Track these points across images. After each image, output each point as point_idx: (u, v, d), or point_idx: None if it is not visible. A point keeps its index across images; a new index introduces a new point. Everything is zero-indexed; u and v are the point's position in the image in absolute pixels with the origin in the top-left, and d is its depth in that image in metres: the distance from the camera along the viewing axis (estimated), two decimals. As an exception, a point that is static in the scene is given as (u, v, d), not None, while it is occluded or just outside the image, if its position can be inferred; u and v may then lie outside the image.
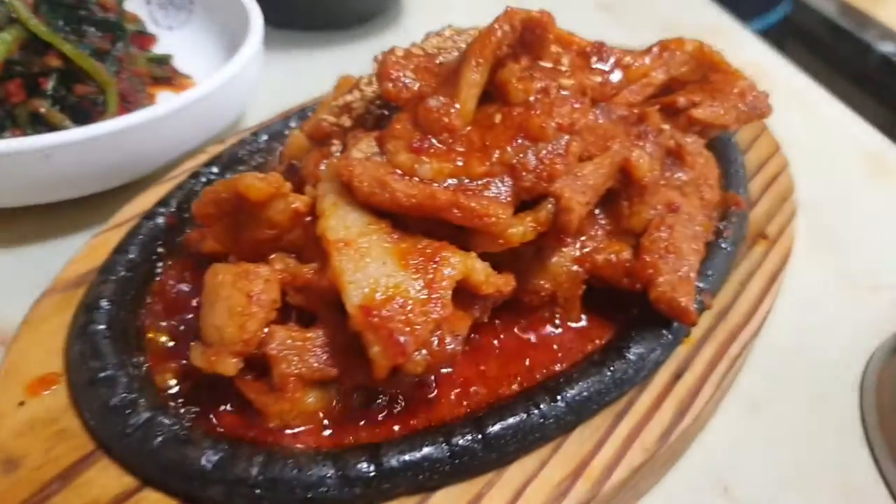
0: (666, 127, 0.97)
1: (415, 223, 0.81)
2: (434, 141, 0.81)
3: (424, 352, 0.72)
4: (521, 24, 0.81)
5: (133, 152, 1.09)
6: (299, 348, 0.75)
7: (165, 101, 1.19)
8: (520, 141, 0.82)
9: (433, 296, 0.72)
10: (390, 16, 1.96)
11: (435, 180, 0.79)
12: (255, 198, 0.75)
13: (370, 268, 0.73)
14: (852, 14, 2.69)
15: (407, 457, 0.70)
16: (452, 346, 0.73)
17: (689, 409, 0.80)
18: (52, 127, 1.20)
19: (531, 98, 0.84)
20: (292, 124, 1.15)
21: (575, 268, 0.88)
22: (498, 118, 0.84)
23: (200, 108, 1.14)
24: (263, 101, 1.43)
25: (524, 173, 0.80)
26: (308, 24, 1.80)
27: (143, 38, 1.44)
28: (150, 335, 0.85)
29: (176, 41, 1.54)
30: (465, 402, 0.79)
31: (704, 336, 0.88)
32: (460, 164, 0.80)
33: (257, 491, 0.67)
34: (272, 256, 0.81)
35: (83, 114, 1.22)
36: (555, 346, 0.86)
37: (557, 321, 0.89)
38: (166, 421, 0.72)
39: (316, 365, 0.75)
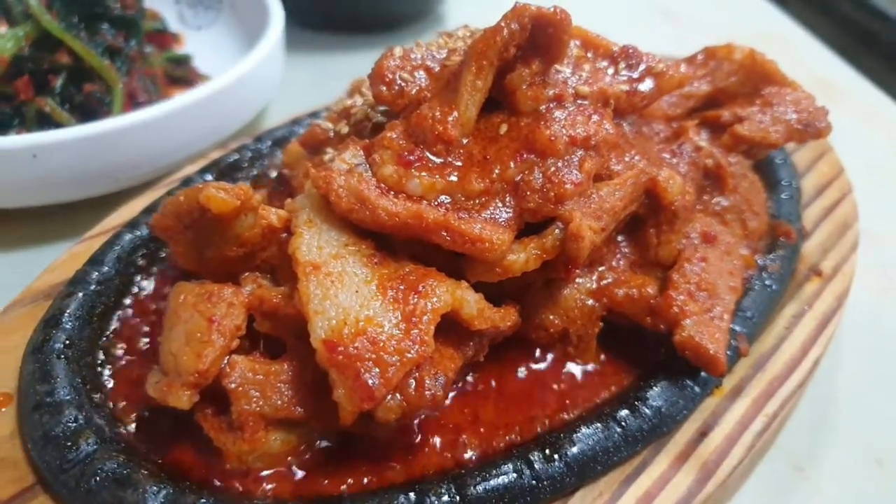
0: (704, 144, 0.85)
1: (403, 244, 0.71)
2: (427, 153, 0.71)
3: (399, 396, 0.62)
4: (532, 23, 0.71)
5: (128, 155, 1.04)
6: (262, 383, 0.66)
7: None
8: (526, 156, 0.71)
9: (411, 332, 0.63)
10: (430, 19, 1.87)
11: (425, 197, 0.70)
12: (217, 210, 0.66)
13: (341, 296, 0.64)
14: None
15: (370, 517, 0.60)
16: (433, 390, 0.63)
17: (714, 474, 0.68)
18: (59, 126, 1.15)
19: (542, 107, 0.74)
20: (299, 130, 1.07)
21: (591, 302, 0.77)
22: (503, 129, 0.74)
23: (203, 110, 1.08)
24: (289, 104, 1.36)
25: (528, 193, 0.70)
26: (344, 27, 1.74)
27: (164, 36, 1.39)
28: (115, 356, 0.78)
29: (203, 41, 1.49)
30: (450, 454, 0.69)
31: (738, 387, 0.76)
32: (455, 179, 0.70)
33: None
34: (244, 276, 0.73)
35: (90, 113, 1.17)
36: (563, 392, 0.75)
37: (569, 362, 0.78)
38: (110, 457, 0.64)
39: (280, 403, 0.66)
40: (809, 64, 1.70)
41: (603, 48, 0.84)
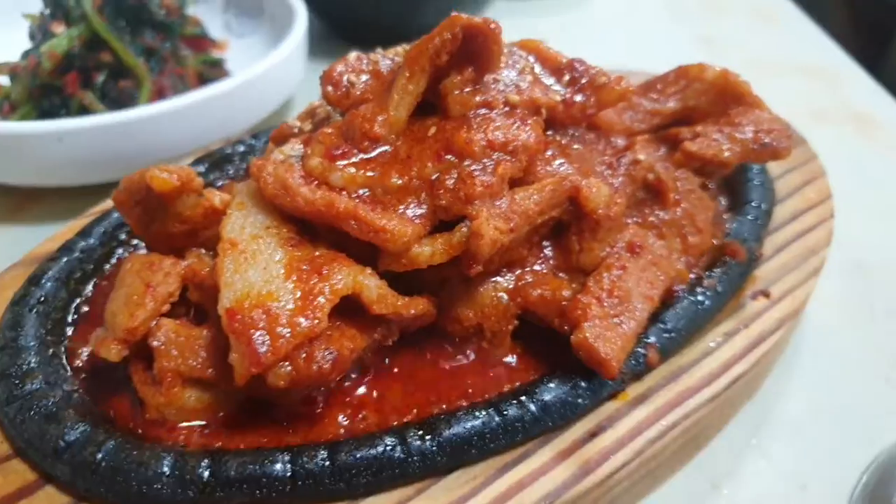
0: (643, 158, 0.87)
1: (326, 232, 0.78)
2: (355, 149, 0.78)
3: (289, 366, 0.68)
4: (464, 32, 0.76)
5: (147, 143, 1.15)
6: (182, 344, 0.74)
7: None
8: (445, 157, 0.76)
9: (307, 308, 0.69)
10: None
11: (346, 189, 0.76)
12: (158, 189, 0.75)
13: (250, 272, 0.71)
14: None
15: (248, 470, 0.66)
16: (321, 363, 0.69)
17: (594, 472, 0.70)
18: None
19: (469, 113, 0.79)
20: (294, 129, 1.15)
21: (505, 300, 0.81)
22: (432, 131, 0.79)
23: (218, 104, 1.18)
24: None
25: (441, 191, 0.74)
26: (373, 38, 1.81)
27: (201, 41, 1.52)
28: (82, 317, 0.88)
29: (243, 48, 1.61)
30: (347, 428, 0.74)
31: (644, 395, 0.78)
32: (375, 174, 0.76)
33: (96, 477, 0.67)
34: (188, 251, 0.81)
35: (122, 105, 1.30)
36: (469, 383, 0.79)
37: (483, 356, 0.82)
38: (46, 396, 0.73)
39: (195, 364, 0.74)
40: (852, 99, 1.64)
41: (551, 61, 0.88)
